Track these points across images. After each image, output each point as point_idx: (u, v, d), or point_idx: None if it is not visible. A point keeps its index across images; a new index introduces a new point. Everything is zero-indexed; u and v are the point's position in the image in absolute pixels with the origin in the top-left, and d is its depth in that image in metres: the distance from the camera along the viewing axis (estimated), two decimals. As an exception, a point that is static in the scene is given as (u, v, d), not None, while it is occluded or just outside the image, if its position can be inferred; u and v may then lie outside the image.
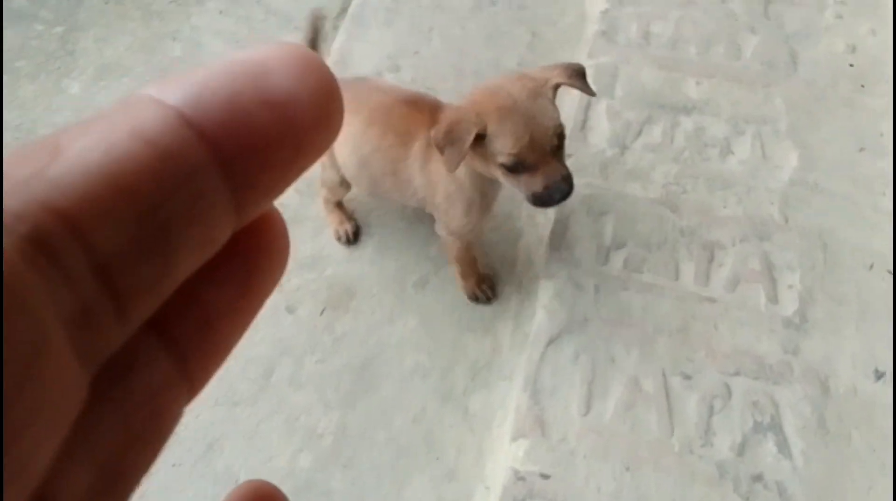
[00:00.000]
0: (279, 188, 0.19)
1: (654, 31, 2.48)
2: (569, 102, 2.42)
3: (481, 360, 2.12)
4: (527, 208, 2.39)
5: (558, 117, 1.55)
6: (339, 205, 2.34)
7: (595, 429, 1.75)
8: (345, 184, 2.16)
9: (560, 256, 2.08)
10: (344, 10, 3.04)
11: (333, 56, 2.79)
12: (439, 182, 1.86)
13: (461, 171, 1.65)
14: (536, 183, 1.53)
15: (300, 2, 3.08)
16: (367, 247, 2.35)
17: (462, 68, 2.71)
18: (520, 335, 2.13)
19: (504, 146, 1.49)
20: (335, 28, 2.99)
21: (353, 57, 2.78)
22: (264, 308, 0.22)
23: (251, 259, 0.21)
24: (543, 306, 1.98)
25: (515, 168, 1.53)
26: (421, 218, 2.40)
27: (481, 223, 2.02)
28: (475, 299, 2.22)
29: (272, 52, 0.18)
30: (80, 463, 0.17)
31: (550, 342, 1.91)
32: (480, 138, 1.49)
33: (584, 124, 2.30)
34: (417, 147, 1.75)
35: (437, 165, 1.70)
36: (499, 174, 1.65)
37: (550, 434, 1.75)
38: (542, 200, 1.55)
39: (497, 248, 2.33)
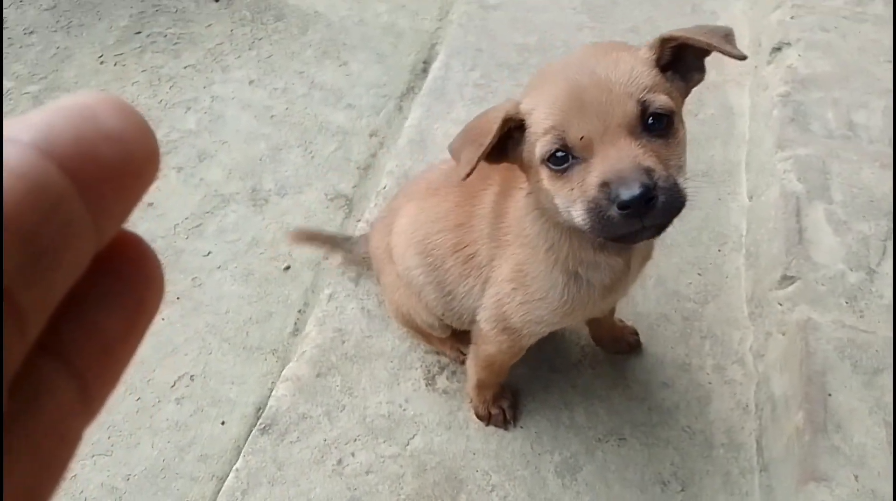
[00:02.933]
0: (127, 213, 0.22)
1: (857, 121, 1.82)
2: (770, 202, 1.70)
3: None
4: (712, 351, 1.59)
5: (646, 79, 0.94)
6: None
7: None
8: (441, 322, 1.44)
9: (825, 441, 1.25)
10: (411, 88, 2.37)
11: (409, 134, 2.07)
12: (511, 246, 1.18)
13: (536, 224, 1.12)
14: (591, 180, 0.93)
15: (353, 77, 2.42)
16: (474, 406, 1.50)
17: (582, 161, 2.00)
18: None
19: (538, 121, 0.97)
20: (399, 109, 2.31)
21: (435, 136, 2.06)
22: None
23: (134, 285, 0.23)
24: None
25: (560, 160, 0.96)
26: (556, 362, 1.58)
27: (566, 322, 1.27)
28: (486, 418, 1.47)
29: (92, 97, 0.21)
30: None
31: None
32: (518, 136, 1.01)
33: (800, 236, 1.57)
34: (488, 199, 1.23)
35: (514, 219, 1.18)
36: (548, 190, 0.99)
37: None
38: (601, 217, 0.92)
39: (671, 414, 1.50)
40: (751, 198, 1.86)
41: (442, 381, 1.52)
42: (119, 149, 0.20)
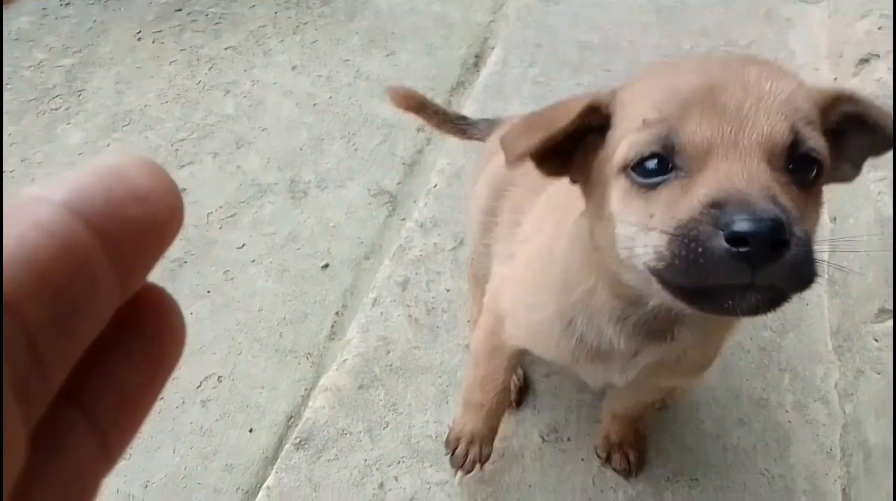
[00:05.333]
0: (149, 268, 0.22)
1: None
2: (861, 226, 1.55)
3: None
4: (792, 387, 1.44)
5: (809, 110, 0.69)
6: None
7: None
8: None
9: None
10: (461, 83, 2.24)
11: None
12: (544, 234, 1.00)
13: (572, 249, 0.89)
14: (691, 198, 0.65)
15: (400, 68, 2.29)
16: (533, 421, 1.35)
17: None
18: None
19: (636, 113, 0.71)
20: (448, 104, 2.17)
21: (491, 136, 1.92)
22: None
23: (155, 338, 0.23)
24: None
25: (651, 172, 0.69)
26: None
27: (541, 352, 1.03)
28: (452, 452, 1.26)
29: (124, 159, 0.22)
30: None
31: None
32: (594, 141, 0.77)
33: (899, 265, 1.41)
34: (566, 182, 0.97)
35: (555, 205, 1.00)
36: (615, 213, 0.73)
37: None
38: (692, 249, 0.63)
39: (748, 455, 1.35)
40: (834, 220, 1.71)
41: (495, 402, 1.39)
42: (145, 209, 0.21)
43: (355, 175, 1.97)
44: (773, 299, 0.65)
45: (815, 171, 0.69)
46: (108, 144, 1.96)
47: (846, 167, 0.78)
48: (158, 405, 1.47)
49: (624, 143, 0.71)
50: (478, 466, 1.25)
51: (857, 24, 2.06)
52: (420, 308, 1.52)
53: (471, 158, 1.87)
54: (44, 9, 2.33)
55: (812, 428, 1.39)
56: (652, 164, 0.69)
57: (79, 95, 2.09)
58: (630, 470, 1.30)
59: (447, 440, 1.28)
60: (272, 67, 2.26)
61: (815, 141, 0.68)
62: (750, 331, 1.53)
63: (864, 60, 1.92)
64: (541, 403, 1.39)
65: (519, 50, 2.17)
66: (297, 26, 2.40)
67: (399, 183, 1.96)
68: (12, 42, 2.20)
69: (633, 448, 1.30)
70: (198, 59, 2.25)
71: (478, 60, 2.32)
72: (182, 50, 2.28)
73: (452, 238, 1.67)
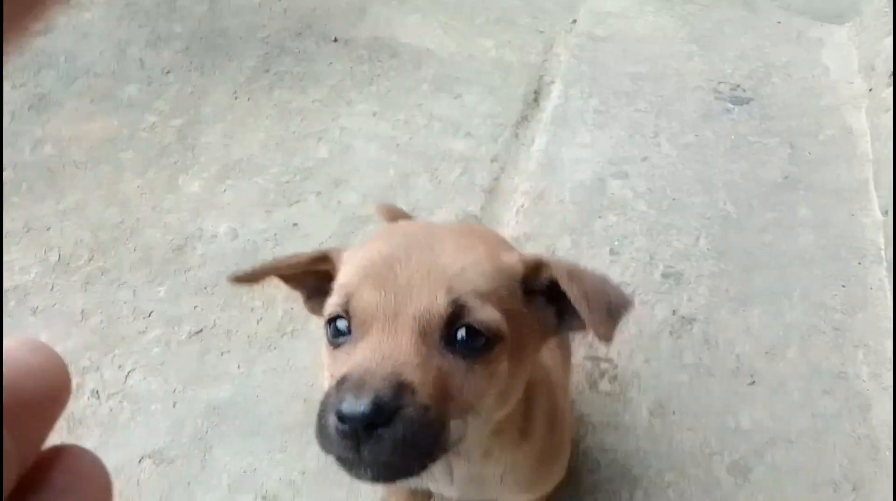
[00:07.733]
0: (44, 436, 0.25)
1: None
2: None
3: None
4: (866, 360, 1.61)
5: (485, 283, 0.74)
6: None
7: None
8: None
9: None
10: (525, 117, 2.48)
11: (538, 158, 2.17)
12: None
13: None
14: (341, 369, 0.72)
15: (468, 108, 2.54)
16: (639, 400, 1.53)
17: (707, 178, 2.07)
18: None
19: (340, 275, 0.80)
20: (515, 136, 2.41)
21: (564, 161, 2.15)
22: None
23: (71, 492, 0.25)
24: None
25: (338, 332, 0.77)
26: (714, 368, 1.62)
27: None
28: None
29: (12, 342, 0.25)
30: None
31: None
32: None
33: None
34: None
35: None
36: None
37: None
38: (321, 419, 0.70)
39: (835, 419, 1.52)
40: (885, 213, 1.90)
41: (604, 384, 1.58)
42: (32, 385, 0.24)
43: (443, 204, 2.20)
44: (390, 471, 0.69)
45: (483, 342, 0.72)
46: (224, 190, 2.21)
47: (574, 321, 0.79)
48: (303, 406, 1.68)
49: (327, 302, 0.78)
50: None
51: (884, 40, 2.27)
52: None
53: (549, 181, 2.10)
54: (149, 77, 2.63)
55: (888, 393, 1.56)
56: (342, 324, 0.75)
57: (192, 150, 2.36)
58: None
59: None
60: (355, 115, 2.52)
61: (482, 314, 0.71)
62: (822, 315, 1.71)
63: (897, 71, 2.13)
64: (645, 385, 1.57)
65: (577, 84, 2.42)
66: (372, 79, 2.67)
67: (482, 208, 2.18)
68: (127, 108, 2.49)
69: None
70: (289, 113, 2.52)
71: (537, 96, 2.56)
72: (275, 105, 2.55)
73: (546, 250, 1.88)
